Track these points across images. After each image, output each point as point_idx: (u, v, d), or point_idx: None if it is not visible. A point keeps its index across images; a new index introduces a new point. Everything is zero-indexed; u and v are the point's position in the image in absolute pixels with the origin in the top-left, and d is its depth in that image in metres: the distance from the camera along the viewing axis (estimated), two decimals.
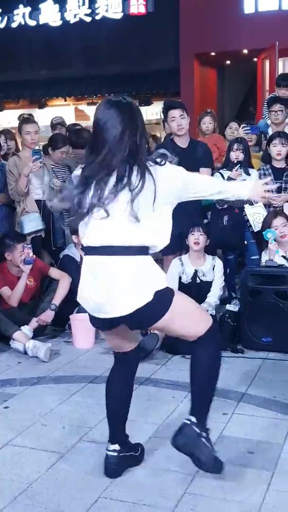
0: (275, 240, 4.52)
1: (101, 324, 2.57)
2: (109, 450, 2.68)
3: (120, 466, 2.68)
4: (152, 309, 2.40)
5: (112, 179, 2.35)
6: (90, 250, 2.46)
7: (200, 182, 2.64)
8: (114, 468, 2.66)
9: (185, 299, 2.56)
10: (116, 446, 2.68)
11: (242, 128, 5.86)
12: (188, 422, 2.51)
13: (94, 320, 2.56)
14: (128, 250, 2.38)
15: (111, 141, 2.35)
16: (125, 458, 2.70)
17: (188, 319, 2.52)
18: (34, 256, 4.62)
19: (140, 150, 2.39)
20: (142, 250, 2.41)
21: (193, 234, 4.58)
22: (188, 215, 4.59)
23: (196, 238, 4.57)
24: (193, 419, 2.52)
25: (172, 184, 2.45)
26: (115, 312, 2.41)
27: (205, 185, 2.66)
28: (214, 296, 4.59)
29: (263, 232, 4.57)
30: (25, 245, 4.58)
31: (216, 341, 2.61)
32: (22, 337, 4.33)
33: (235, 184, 2.67)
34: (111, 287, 2.38)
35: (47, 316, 4.57)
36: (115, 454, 2.67)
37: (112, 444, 2.69)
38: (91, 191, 2.37)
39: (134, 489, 2.55)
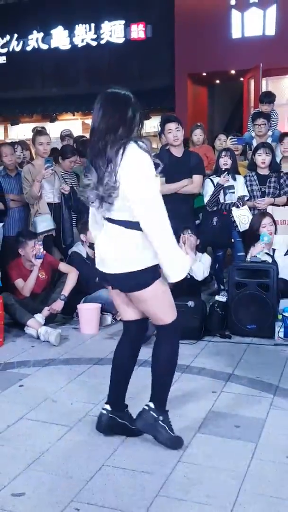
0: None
1: (100, 277, 2.59)
2: (103, 409, 2.72)
3: (110, 426, 2.69)
4: (133, 279, 2.43)
5: (103, 162, 2.35)
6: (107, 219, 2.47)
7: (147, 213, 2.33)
8: (102, 424, 2.70)
9: (165, 287, 2.49)
10: (108, 406, 2.70)
11: (229, 140, 5.86)
12: (147, 408, 2.60)
13: (97, 272, 2.59)
14: (124, 223, 2.41)
15: (101, 127, 2.38)
16: (116, 422, 2.69)
17: (161, 303, 2.53)
18: (45, 251, 4.61)
19: (122, 133, 2.35)
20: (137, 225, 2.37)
21: (183, 235, 4.53)
22: (181, 216, 4.59)
23: (187, 238, 4.53)
24: (151, 405, 2.61)
25: (128, 176, 2.31)
26: (105, 269, 2.50)
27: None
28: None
29: (261, 235, 4.55)
30: (36, 242, 4.56)
31: (178, 335, 2.63)
32: (35, 324, 4.31)
33: (169, 262, 2.38)
34: (108, 249, 2.46)
35: (58, 305, 4.55)
36: (105, 412, 2.69)
37: (105, 404, 2.72)
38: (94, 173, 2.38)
39: (134, 458, 2.55)
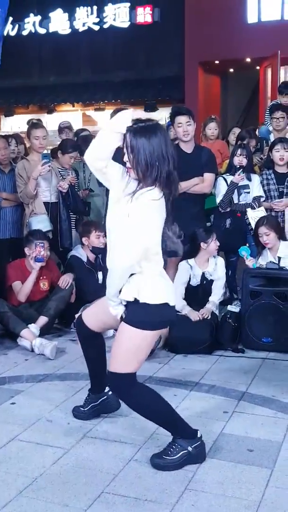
0: (250, 255, 4.57)
1: None
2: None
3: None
4: (130, 310, 2.57)
5: None
6: None
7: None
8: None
9: (149, 346, 2.63)
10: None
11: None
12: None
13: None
14: None
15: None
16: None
17: (132, 354, 2.60)
18: (48, 254, 4.62)
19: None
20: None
21: (215, 242, 4.54)
22: (191, 218, 4.59)
23: (216, 248, 4.57)
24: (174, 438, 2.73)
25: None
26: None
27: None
28: (217, 295, 4.55)
29: (238, 250, 4.58)
30: (38, 243, 4.57)
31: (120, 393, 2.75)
32: (29, 334, 4.32)
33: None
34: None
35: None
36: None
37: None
38: None
39: (136, 484, 2.54)
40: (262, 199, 5.14)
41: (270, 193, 5.19)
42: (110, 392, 3.08)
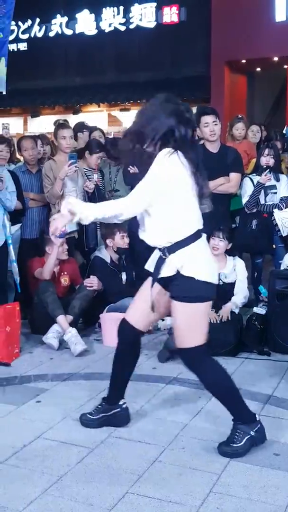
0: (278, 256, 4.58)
1: None
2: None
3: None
4: (176, 284, 2.67)
5: None
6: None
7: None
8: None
9: (205, 316, 2.76)
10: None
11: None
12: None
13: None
14: None
15: None
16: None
17: (191, 327, 2.70)
18: (67, 230, 4.68)
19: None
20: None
21: (213, 239, 4.42)
22: (216, 217, 4.56)
23: (216, 244, 4.43)
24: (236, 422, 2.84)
25: None
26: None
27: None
28: (239, 295, 4.49)
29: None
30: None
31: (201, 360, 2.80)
32: (64, 322, 4.36)
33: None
34: None
35: None
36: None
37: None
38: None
39: (161, 485, 2.54)
40: None
41: None
42: (125, 405, 3.05)
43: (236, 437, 2.77)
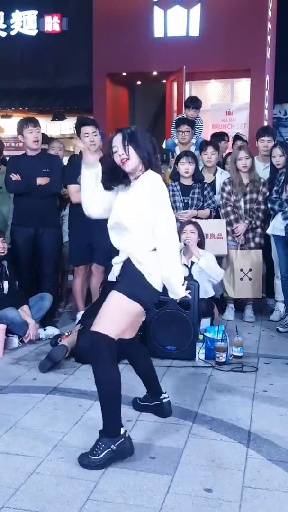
0: None
1: None
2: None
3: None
4: (129, 278, 2.86)
5: None
6: None
7: None
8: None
9: (131, 318, 2.88)
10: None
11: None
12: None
13: None
14: None
15: None
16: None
17: (113, 318, 2.81)
18: None
19: None
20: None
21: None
22: None
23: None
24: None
25: None
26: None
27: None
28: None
29: None
30: None
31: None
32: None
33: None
34: None
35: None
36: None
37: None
38: None
39: (38, 498, 2.50)
40: None
41: (175, 204, 5.33)
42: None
43: (96, 449, 2.76)
